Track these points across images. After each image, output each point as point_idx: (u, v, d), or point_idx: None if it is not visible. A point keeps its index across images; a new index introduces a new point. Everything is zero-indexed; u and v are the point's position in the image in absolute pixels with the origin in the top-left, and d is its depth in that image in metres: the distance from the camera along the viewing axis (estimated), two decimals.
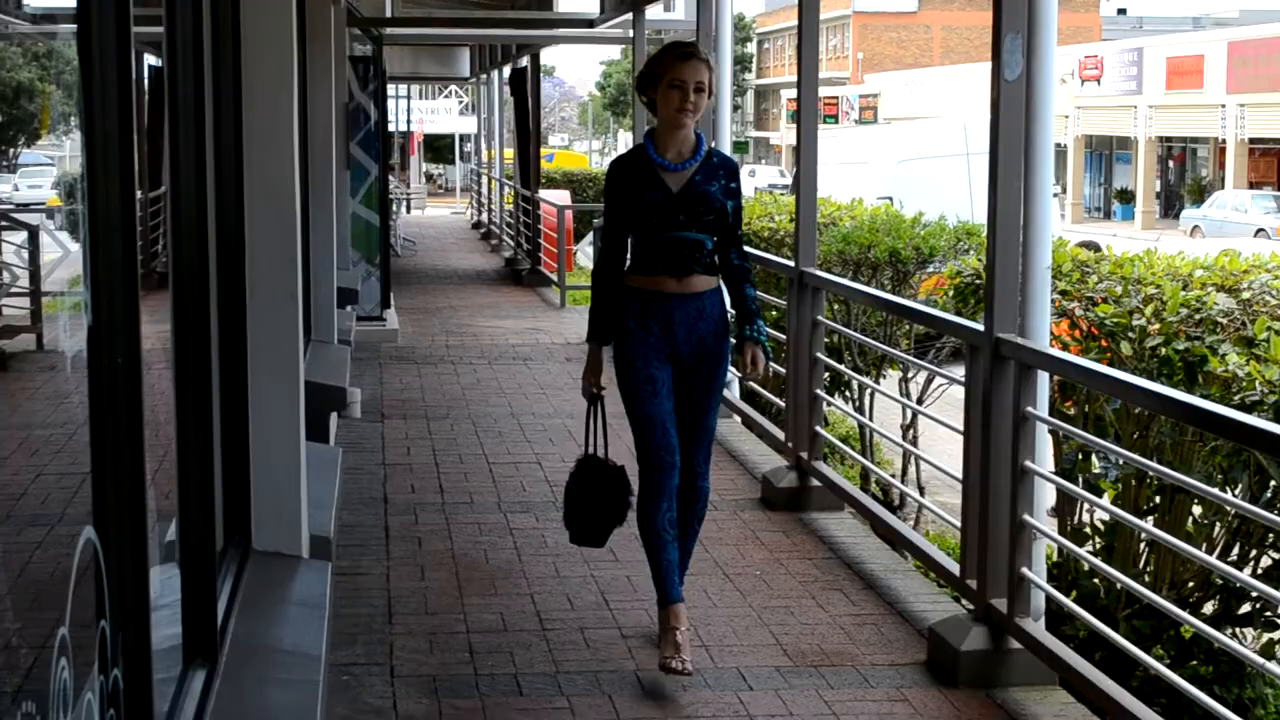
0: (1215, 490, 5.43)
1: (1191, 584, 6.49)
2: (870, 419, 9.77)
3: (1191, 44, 49.63)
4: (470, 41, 26.32)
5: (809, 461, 7.78)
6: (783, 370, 8.08)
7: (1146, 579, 6.46)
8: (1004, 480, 5.42)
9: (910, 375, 10.68)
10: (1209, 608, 6.43)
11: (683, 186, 5.47)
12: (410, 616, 6.01)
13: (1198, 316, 6.33)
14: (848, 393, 10.96)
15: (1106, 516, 6.54)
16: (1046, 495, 5.67)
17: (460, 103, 57.80)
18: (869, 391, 10.42)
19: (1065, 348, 6.73)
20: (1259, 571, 6.20)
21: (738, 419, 9.59)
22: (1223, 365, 6.01)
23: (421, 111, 52.31)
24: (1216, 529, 6.39)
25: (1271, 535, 6.06)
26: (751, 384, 9.22)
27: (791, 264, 8.09)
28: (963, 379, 5.82)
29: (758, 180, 53.82)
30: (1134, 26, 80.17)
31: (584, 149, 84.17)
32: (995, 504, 5.46)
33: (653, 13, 14.31)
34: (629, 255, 5.57)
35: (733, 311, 5.68)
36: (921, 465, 10.18)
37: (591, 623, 5.95)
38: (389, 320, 14.44)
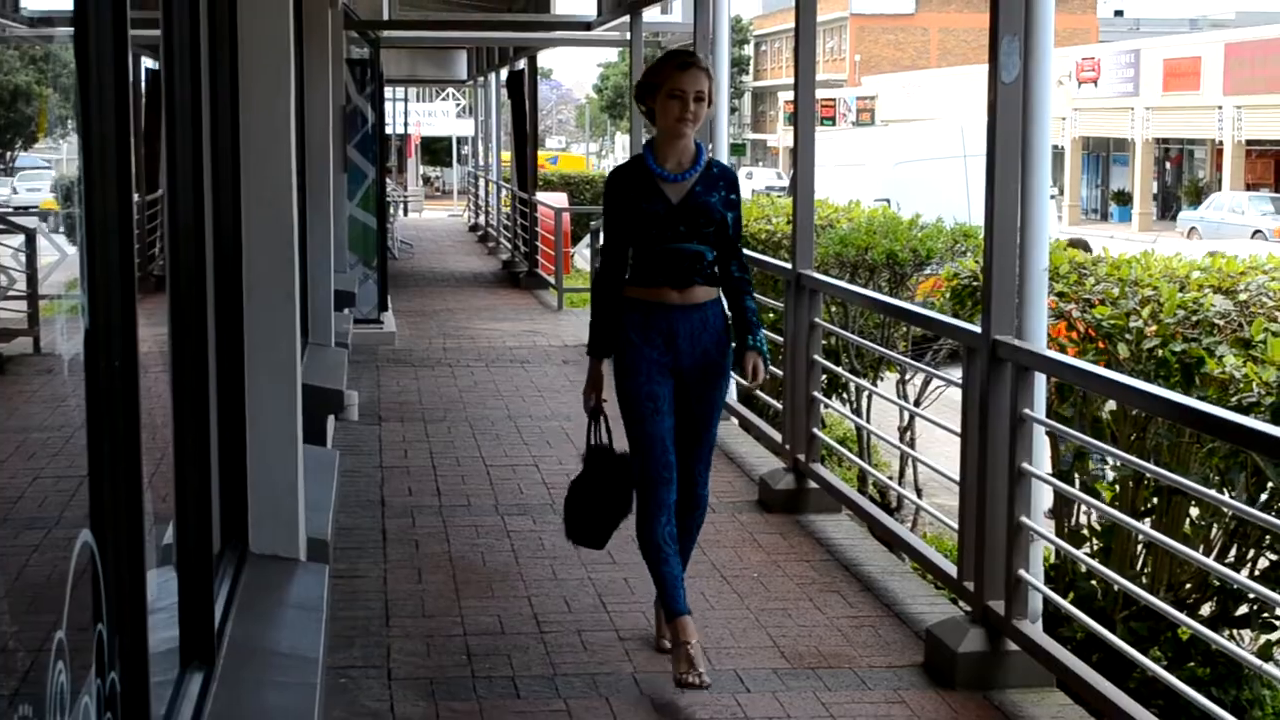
0: (1212, 492, 5.42)
1: (1189, 585, 6.49)
2: (868, 421, 9.77)
3: (1188, 45, 49.66)
4: (467, 44, 26.32)
5: (806, 464, 7.78)
6: (780, 373, 8.08)
7: (1144, 581, 6.46)
8: (1001, 482, 5.42)
9: (908, 377, 10.68)
10: (1206, 609, 6.43)
11: (683, 197, 5.42)
12: (407, 619, 6.01)
13: (1195, 318, 6.33)
14: (845, 395, 10.96)
15: (1104, 518, 6.55)
16: (1044, 497, 5.67)
17: (457, 105, 57.84)
18: (866, 394, 10.42)
19: (1062, 349, 6.73)
20: (1256, 573, 6.20)
21: (735, 421, 9.59)
22: (1220, 367, 6.01)
23: (419, 114, 52.31)
24: (1214, 530, 6.39)
25: (1268, 537, 6.06)
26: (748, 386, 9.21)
27: (789, 266, 8.10)
28: (960, 381, 5.83)
29: (755, 183, 53.78)
30: (1131, 28, 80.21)
31: (581, 151, 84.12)
32: (992, 506, 5.46)
33: (650, 15, 14.30)
34: (629, 266, 5.53)
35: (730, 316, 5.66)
36: (919, 467, 10.18)
37: (589, 625, 5.95)
38: (386, 323, 14.43)
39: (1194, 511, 6.44)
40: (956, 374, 5.99)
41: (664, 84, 5.38)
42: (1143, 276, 6.82)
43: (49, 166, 3.04)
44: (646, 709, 5.16)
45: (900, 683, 5.42)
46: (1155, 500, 6.57)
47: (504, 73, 23.97)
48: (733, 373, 5.64)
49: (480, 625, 5.94)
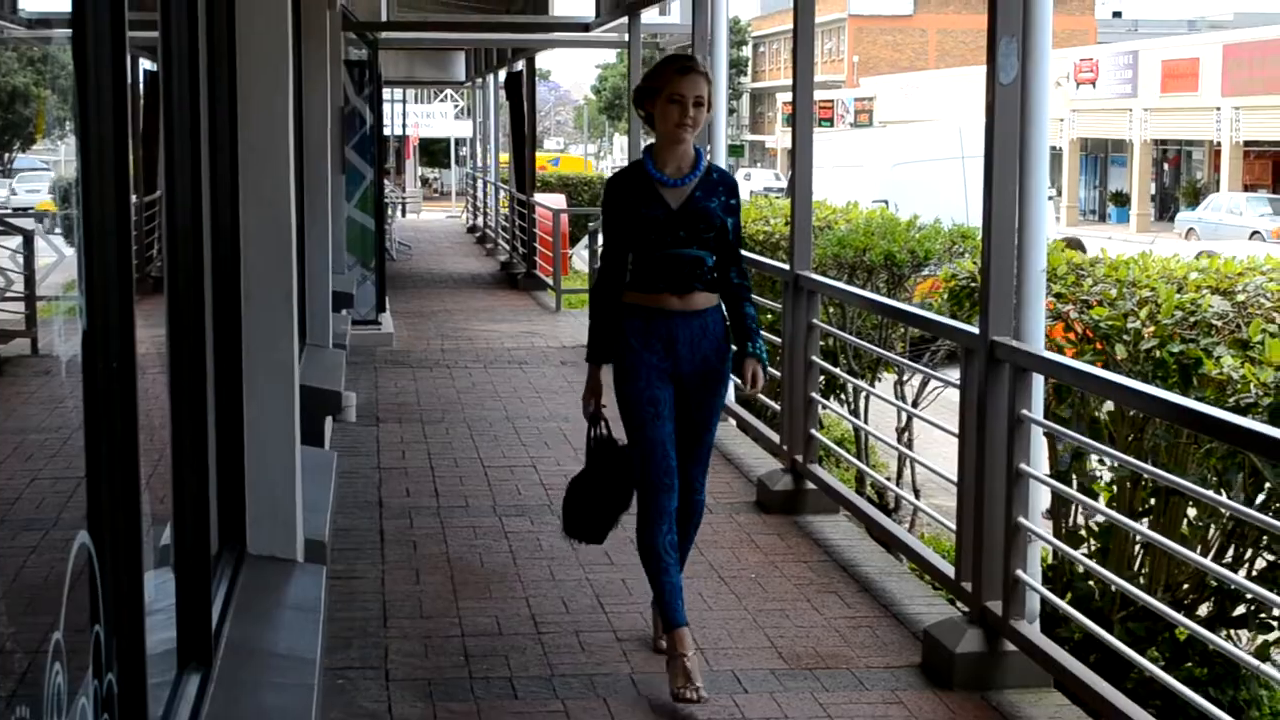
0: (1210, 493, 5.43)
1: (1186, 586, 6.50)
2: (865, 422, 9.78)
3: (1186, 47, 49.67)
4: (466, 45, 26.32)
5: (804, 464, 7.78)
6: (778, 374, 8.08)
7: (1141, 581, 6.47)
8: (999, 483, 5.42)
9: (905, 378, 10.69)
10: (1204, 610, 6.43)
11: (683, 203, 5.39)
12: (405, 620, 6.01)
13: (1193, 319, 6.34)
14: (843, 396, 10.96)
15: (1101, 519, 6.55)
16: (1041, 498, 5.67)
17: (456, 107, 57.84)
18: (864, 395, 10.43)
19: (1060, 350, 6.73)
20: (1253, 573, 6.20)
21: (733, 422, 9.59)
22: (1217, 368, 6.02)
23: (417, 115, 52.33)
24: (1211, 531, 6.40)
25: (1266, 537, 6.07)
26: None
27: (787, 267, 8.10)
28: (958, 382, 5.83)
29: (753, 184, 53.79)
30: (1129, 29, 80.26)
31: (579, 152, 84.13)
32: (990, 507, 5.46)
33: (648, 16, 14.30)
34: (629, 272, 5.48)
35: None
36: (917, 468, 10.19)
37: (586, 626, 5.95)
38: (384, 324, 14.43)
39: (1191, 512, 6.44)
40: (954, 375, 5.99)
41: (663, 89, 5.34)
42: (1140, 278, 6.82)
43: (47, 168, 3.04)
44: (644, 709, 5.16)
45: (898, 683, 5.42)
46: (1153, 501, 6.57)
47: (502, 74, 23.98)
48: (732, 377, 5.63)
49: (478, 626, 5.94)
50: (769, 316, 9.20)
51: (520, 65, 21.84)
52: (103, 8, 2.99)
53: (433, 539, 7.18)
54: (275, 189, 5.41)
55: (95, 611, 2.90)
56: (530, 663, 5.55)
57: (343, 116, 13.68)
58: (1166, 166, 54.26)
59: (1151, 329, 6.41)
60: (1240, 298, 6.40)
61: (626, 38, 13.74)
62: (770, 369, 6.08)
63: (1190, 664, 6.26)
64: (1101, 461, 6.69)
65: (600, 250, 5.75)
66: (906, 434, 10.33)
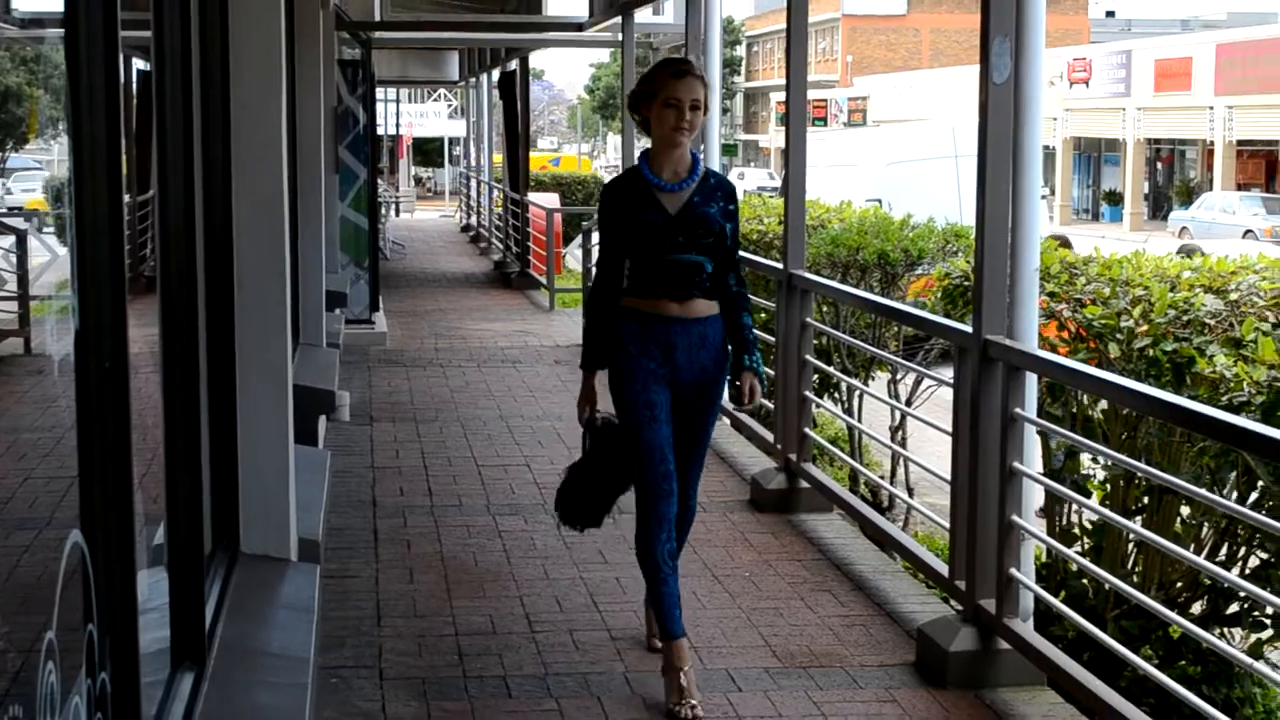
0: (1203, 491, 5.43)
1: (1180, 584, 6.50)
2: (859, 421, 9.78)
3: (1180, 46, 49.72)
4: (459, 45, 26.33)
5: (798, 463, 7.78)
6: (771, 372, 8.08)
7: (1135, 579, 6.47)
8: (992, 481, 5.43)
9: (899, 377, 10.69)
10: (1197, 608, 6.44)
11: (681, 208, 5.31)
12: (399, 619, 6.01)
13: (1186, 318, 6.34)
14: (836, 395, 10.96)
15: (1095, 517, 6.56)
16: (1035, 496, 5.68)
17: (449, 106, 57.83)
18: (858, 393, 10.43)
19: (1053, 349, 6.74)
20: (1247, 572, 6.21)
21: (726, 421, 9.59)
22: (1211, 366, 6.02)
23: (410, 115, 52.31)
24: (1204, 529, 6.40)
25: (1259, 535, 6.07)
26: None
27: (780, 266, 8.10)
28: (951, 380, 5.83)
29: (747, 183, 53.78)
30: (1122, 29, 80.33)
31: (573, 152, 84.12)
32: (984, 505, 5.47)
33: (642, 16, 14.31)
34: (626, 278, 5.43)
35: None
36: (910, 467, 10.19)
37: (580, 624, 5.95)
38: (378, 323, 14.43)
39: (1185, 510, 6.45)
40: (948, 374, 5.99)
41: (659, 92, 5.27)
42: (1134, 276, 6.83)
43: (40, 167, 3.04)
44: (638, 708, 5.16)
45: (892, 682, 5.43)
46: (1146, 499, 6.58)
47: (496, 74, 23.97)
48: (729, 396, 5.56)
49: (472, 625, 5.94)
50: (763, 315, 9.20)
51: (514, 65, 21.83)
52: (95, 7, 2.99)
53: (426, 538, 7.18)
54: (268, 188, 5.41)
55: (88, 611, 2.90)
56: (524, 661, 5.55)
57: (336, 116, 13.68)
58: (1160, 166, 54.33)
59: (1145, 327, 6.41)
60: (1233, 296, 6.40)
61: (620, 37, 13.74)
62: (765, 368, 6.06)
63: (1184, 662, 6.26)
64: (1095, 460, 6.69)
65: (596, 257, 5.69)
66: (900, 433, 10.33)
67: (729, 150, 79.97)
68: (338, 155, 13.76)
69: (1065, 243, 9.09)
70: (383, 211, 24.02)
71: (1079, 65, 52.28)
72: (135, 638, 3.21)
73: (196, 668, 4.20)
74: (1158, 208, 52.12)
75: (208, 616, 4.44)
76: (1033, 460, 5.59)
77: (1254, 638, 6.26)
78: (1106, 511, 5.75)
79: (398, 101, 40.38)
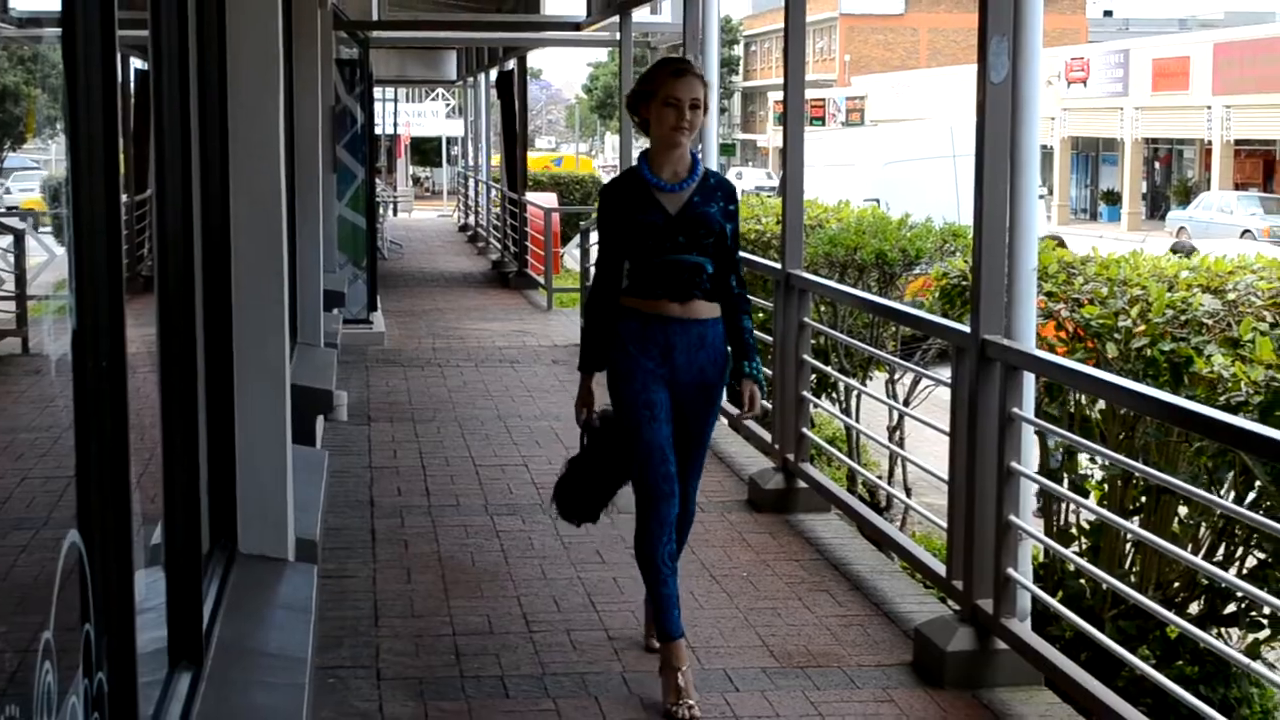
0: (1201, 491, 5.43)
1: (1177, 584, 6.50)
2: (857, 420, 9.78)
3: (1177, 45, 49.74)
4: (457, 44, 26.31)
5: (795, 463, 7.78)
6: (769, 372, 8.08)
7: (1132, 579, 6.47)
8: (990, 481, 5.43)
9: (897, 377, 10.69)
10: (1194, 608, 6.44)
11: (681, 208, 5.28)
12: (396, 619, 6.01)
13: (1183, 318, 6.34)
14: (834, 394, 10.96)
15: (1092, 517, 6.56)
16: (1032, 496, 5.68)
17: (447, 105, 57.81)
18: (855, 393, 10.43)
19: (1051, 349, 6.74)
20: (1244, 572, 6.21)
21: (724, 421, 9.58)
22: (1208, 366, 6.02)
23: (408, 114, 52.28)
24: (1202, 529, 6.40)
25: (1256, 535, 6.07)
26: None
27: (778, 266, 8.10)
28: (949, 380, 5.83)
29: (745, 183, 53.77)
30: (1120, 28, 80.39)
31: (570, 151, 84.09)
32: (981, 505, 5.47)
33: (639, 15, 14.31)
34: (626, 278, 5.39)
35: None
36: (908, 466, 10.20)
37: (578, 624, 5.95)
38: (375, 323, 14.43)
39: (1182, 510, 6.45)
40: (945, 373, 5.99)
41: (659, 92, 5.24)
42: (1131, 276, 6.83)
43: (38, 167, 3.04)
44: (635, 708, 5.16)
45: (889, 681, 5.43)
46: (1144, 499, 6.58)
47: (493, 73, 23.97)
48: (728, 400, 5.54)
49: (469, 625, 5.94)
50: (760, 315, 9.20)
51: (511, 64, 21.83)
52: (92, 7, 2.98)
53: (424, 538, 7.17)
54: (266, 188, 5.40)
55: (86, 610, 2.90)
56: (521, 661, 5.55)
57: (334, 115, 13.67)
58: (1158, 165, 54.34)
59: (1142, 327, 6.41)
60: (1231, 296, 6.41)
61: (618, 36, 13.74)
62: (763, 367, 6.05)
63: (1181, 662, 6.26)
64: (1093, 460, 6.69)
65: (595, 258, 5.66)
66: (898, 432, 10.34)
67: (727, 150, 79.91)
68: (335, 155, 13.76)
69: (1061, 243, 9.10)
70: (380, 211, 24.02)
71: (1077, 65, 52.29)
72: (133, 637, 3.21)
73: (194, 668, 4.20)
74: (1155, 207, 52.13)
75: (205, 616, 4.44)
76: (1030, 460, 5.59)
77: (1251, 638, 6.26)
78: (1104, 511, 5.75)
79: (395, 101, 40.39)
